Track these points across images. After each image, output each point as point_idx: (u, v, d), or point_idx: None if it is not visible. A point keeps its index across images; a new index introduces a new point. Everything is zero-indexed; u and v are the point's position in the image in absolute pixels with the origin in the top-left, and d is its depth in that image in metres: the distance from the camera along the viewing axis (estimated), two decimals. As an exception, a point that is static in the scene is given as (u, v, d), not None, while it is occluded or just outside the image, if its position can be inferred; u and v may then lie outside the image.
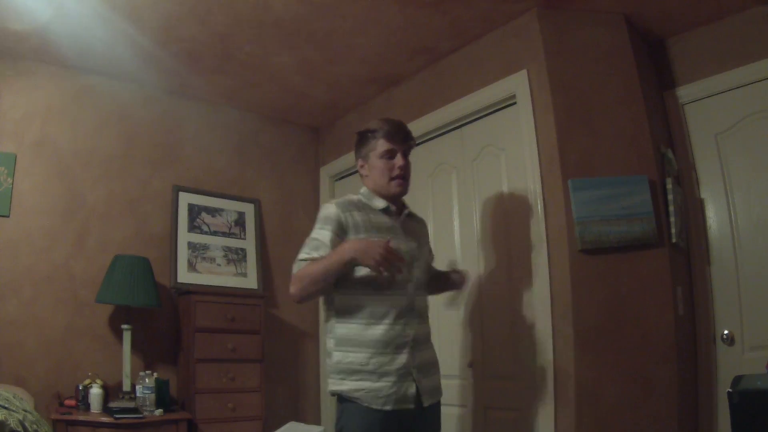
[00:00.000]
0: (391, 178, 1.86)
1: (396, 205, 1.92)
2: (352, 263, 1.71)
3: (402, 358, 1.76)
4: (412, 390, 1.76)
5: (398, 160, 1.87)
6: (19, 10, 2.52)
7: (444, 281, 2.09)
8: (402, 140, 1.89)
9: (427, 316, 1.93)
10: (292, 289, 1.79)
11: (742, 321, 2.38)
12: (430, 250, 2.08)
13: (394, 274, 1.73)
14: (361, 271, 1.78)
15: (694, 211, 2.58)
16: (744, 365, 2.28)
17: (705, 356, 2.44)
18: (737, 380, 1.76)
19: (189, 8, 2.54)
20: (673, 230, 2.37)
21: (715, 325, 2.46)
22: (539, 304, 2.36)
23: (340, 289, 1.81)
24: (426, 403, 1.79)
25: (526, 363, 2.39)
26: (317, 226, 1.83)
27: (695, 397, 2.41)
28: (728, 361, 2.39)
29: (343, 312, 1.81)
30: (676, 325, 2.26)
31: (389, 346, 1.75)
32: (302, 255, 1.81)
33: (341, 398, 1.79)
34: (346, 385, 1.75)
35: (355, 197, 1.92)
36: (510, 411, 2.44)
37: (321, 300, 1.92)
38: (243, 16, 2.61)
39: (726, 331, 2.42)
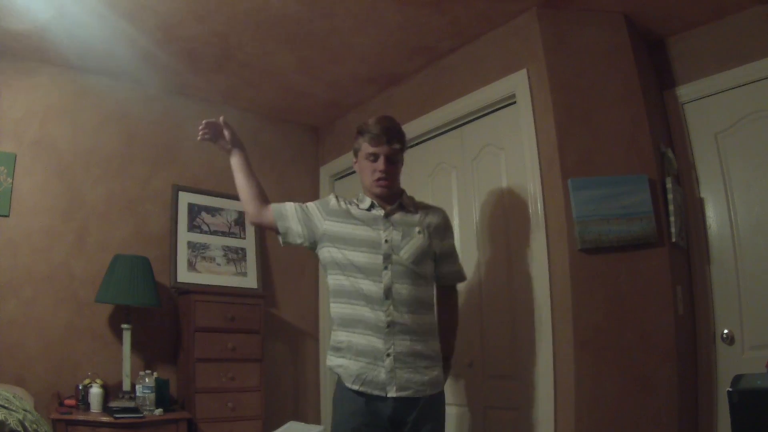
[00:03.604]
0: (373, 180, 1.94)
1: (387, 202, 1.97)
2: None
3: (376, 342, 1.81)
4: (382, 377, 1.79)
5: (379, 164, 1.92)
6: (19, 10, 2.52)
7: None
8: (385, 143, 1.92)
9: (423, 308, 1.90)
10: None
11: (742, 320, 2.38)
12: (448, 245, 2.05)
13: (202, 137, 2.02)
14: (335, 254, 1.91)
15: (693, 211, 2.58)
16: (744, 364, 2.28)
17: (705, 356, 2.44)
18: (737, 379, 1.76)
19: (189, 8, 2.54)
20: (672, 230, 2.37)
21: (715, 324, 2.46)
22: (539, 303, 2.36)
23: (329, 271, 1.95)
24: (391, 394, 1.78)
25: (526, 363, 2.39)
26: (313, 202, 2.05)
27: (695, 396, 2.41)
28: (728, 360, 2.39)
29: (332, 293, 1.94)
30: (676, 324, 2.26)
31: (364, 327, 1.83)
32: (287, 204, 2.04)
33: (332, 371, 1.94)
34: (332, 361, 1.91)
35: (352, 199, 2.05)
36: (510, 411, 2.44)
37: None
38: (243, 15, 2.60)
39: (726, 331, 2.41)
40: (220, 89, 3.39)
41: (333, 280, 1.93)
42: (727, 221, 2.49)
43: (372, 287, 1.84)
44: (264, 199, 2.03)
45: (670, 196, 2.39)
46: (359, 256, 1.87)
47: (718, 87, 2.55)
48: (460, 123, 2.91)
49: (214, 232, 3.36)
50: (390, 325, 1.81)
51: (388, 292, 1.83)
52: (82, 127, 3.08)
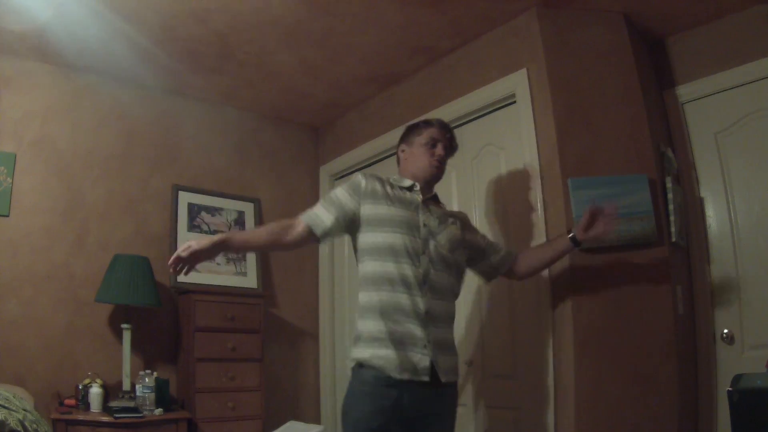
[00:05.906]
0: (432, 160, 2.00)
1: (426, 191, 2.01)
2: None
3: (414, 330, 1.78)
4: (425, 363, 1.76)
5: (439, 149, 2.03)
6: (19, 10, 2.52)
7: (550, 249, 2.14)
8: (447, 136, 2.07)
9: (450, 297, 1.92)
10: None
11: (742, 320, 2.38)
12: (482, 236, 2.15)
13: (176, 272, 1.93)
14: (373, 238, 1.86)
15: (693, 210, 2.58)
16: (744, 364, 2.28)
17: (705, 355, 2.44)
18: (737, 379, 1.76)
19: (188, 8, 2.54)
20: (672, 229, 2.37)
21: (715, 324, 2.46)
22: (539, 303, 2.36)
23: (364, 257, 1.89)
24: (443, 379, 1.79)
25: (526, 362, 2.39)
26: (341, 187, 1.97)
27: (695, 396, 2.41)
28: (728, 360, 2.39)
29: (367, 281, 1.86)
30: (676, 324, 2.26)
31: (402, 314, 1.78)
32: (315, 208, 1.95)
33: (359, 365, 1.81)
34: (366, 353, 1.79)
35: (384, 176, 2.03)
36: (510, 410, 2.44)
37: None
38: (243, 15, 2.60)
39: (726, 330, 2.42)
40: (220, 89, 3.39)
41: (369, 266, 1.85)
42: (727, 221, 2.49)
43: (411, 271, 1.81)
44: (285, 222, 1.97)
45: (670, 196, 2.39)
46: (398, 238, 1.82)
47: (718, 87, 2.55)
48: (460, 122, 2.91)
49: (214, 232, 3.35)
50: (427, 312, 1.80)
51: (425, 278, 1.82)
52: (81, 126, 3.08)
